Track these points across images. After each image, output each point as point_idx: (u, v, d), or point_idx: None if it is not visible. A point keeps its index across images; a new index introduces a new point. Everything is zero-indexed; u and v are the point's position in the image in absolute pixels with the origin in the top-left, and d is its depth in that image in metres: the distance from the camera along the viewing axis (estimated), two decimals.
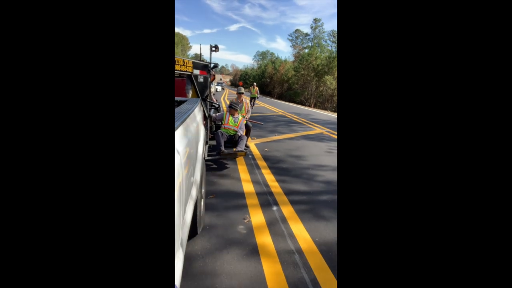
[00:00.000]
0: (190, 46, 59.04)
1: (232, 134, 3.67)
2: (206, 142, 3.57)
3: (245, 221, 2.17)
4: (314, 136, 6.23)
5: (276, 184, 3.03)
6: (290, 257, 1.73)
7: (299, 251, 1.80)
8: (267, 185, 2.97)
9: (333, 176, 3.44)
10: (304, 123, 8.43)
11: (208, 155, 3.55)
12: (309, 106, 23.31)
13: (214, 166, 3.54)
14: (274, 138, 5.59)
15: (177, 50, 44.71)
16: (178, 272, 0.91)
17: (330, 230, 2.08)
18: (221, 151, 3.36)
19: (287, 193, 2.79)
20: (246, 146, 3.91)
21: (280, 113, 11.43)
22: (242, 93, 4.61)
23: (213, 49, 3.56)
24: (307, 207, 2.49)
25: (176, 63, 2.97)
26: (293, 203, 2.55)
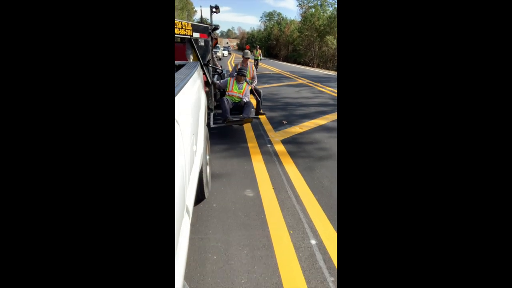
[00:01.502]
0: (195, 11, 58.43)
1: (237, 101, 3.52)
2: (211, 110, 3.51)
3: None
4: (295, 85, 8.65)
5: None
6: (255, 123, 4.35)
7: (260, 121, 4.41)
8: None
9: (290, 100, 5.98)
10: (293, 77, 10.76)
11: (214, 123, 3.47)
12: (312, 66, 24.88)
13: (220, 134, 3.53)
14: (263, 86, 8.05)
15: (183, 15, 44.74)
16: (186, 239, 0.93)
17: (274, 114, 4.66)
18: (227, 119, 3.25)
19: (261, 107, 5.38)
20: (261, 113, 4.01)
21: (277, 71, 13.67)
22: (249, 57, 4.31)
23: (214, 10, 3.37)
24: (269, 109, 5.07)
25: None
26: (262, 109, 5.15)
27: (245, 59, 4.27)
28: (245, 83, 3.58)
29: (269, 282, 1.31)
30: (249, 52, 4.56)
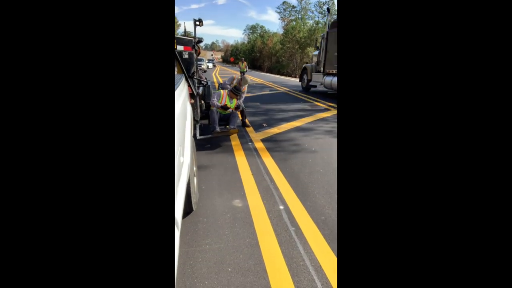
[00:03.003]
0: (179, 24, 59.20)
1: (224, 114, 3.64)
2: (197, 121, 3.51)
3: None
4: (275, 93, 9.25)
5: None
6: (237, 126, 4.82)
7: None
8: None
9: (269, 106, 6.52)
10: (274, 87, 11.40)
11: (201, 134, 3.46)
12: (295, 77, 25.85)
13: (208, 145, 3.50)
14: (246, 95, 8.58)
15: None
16: (176, 251, 0.94)
17: (256, 118, 5.15)
18: (214, 130, 3.31)
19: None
20: (247, 125, 4.12)
21: (260, 82, 14.33)
22: (247, 83, 4.23)
23: (197, 23, 3.44)
24: (251, 114, 5.57)
25: None
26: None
27: (242, 83, 4.14)
28: (235, 100, 3.69)
29: (246, 232, 1.75)
30: (248, 80, 4.33)
